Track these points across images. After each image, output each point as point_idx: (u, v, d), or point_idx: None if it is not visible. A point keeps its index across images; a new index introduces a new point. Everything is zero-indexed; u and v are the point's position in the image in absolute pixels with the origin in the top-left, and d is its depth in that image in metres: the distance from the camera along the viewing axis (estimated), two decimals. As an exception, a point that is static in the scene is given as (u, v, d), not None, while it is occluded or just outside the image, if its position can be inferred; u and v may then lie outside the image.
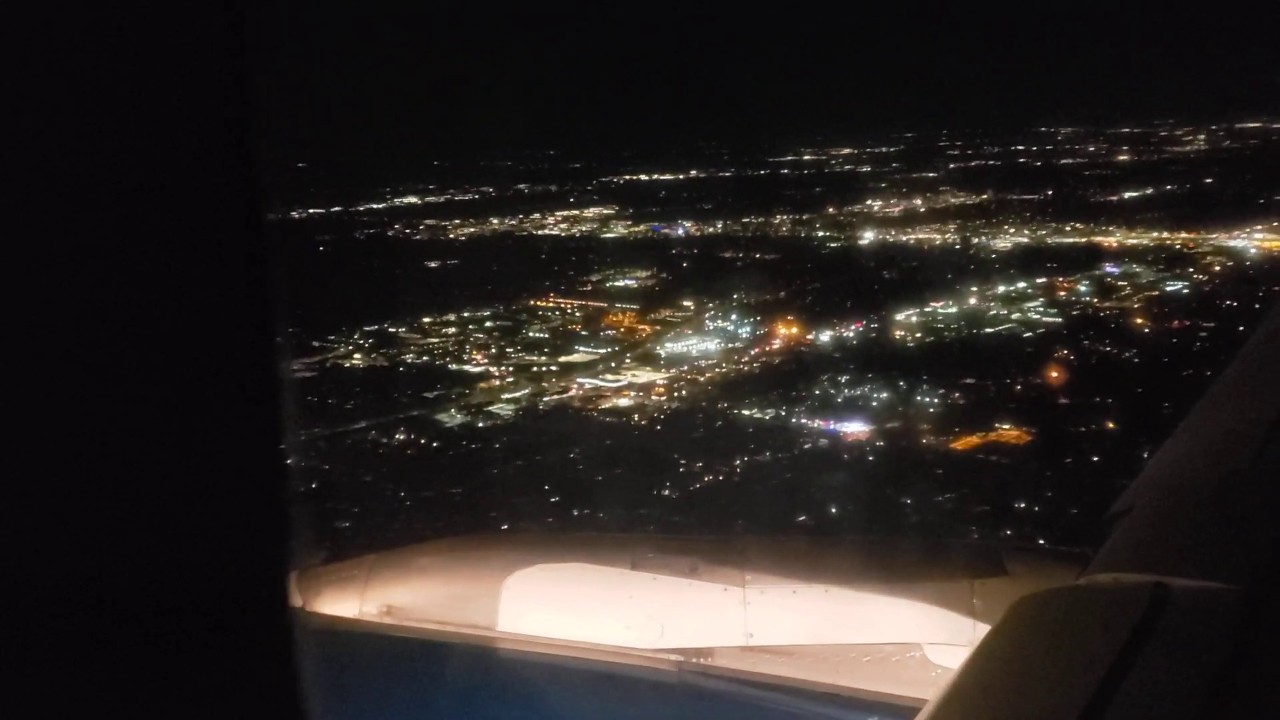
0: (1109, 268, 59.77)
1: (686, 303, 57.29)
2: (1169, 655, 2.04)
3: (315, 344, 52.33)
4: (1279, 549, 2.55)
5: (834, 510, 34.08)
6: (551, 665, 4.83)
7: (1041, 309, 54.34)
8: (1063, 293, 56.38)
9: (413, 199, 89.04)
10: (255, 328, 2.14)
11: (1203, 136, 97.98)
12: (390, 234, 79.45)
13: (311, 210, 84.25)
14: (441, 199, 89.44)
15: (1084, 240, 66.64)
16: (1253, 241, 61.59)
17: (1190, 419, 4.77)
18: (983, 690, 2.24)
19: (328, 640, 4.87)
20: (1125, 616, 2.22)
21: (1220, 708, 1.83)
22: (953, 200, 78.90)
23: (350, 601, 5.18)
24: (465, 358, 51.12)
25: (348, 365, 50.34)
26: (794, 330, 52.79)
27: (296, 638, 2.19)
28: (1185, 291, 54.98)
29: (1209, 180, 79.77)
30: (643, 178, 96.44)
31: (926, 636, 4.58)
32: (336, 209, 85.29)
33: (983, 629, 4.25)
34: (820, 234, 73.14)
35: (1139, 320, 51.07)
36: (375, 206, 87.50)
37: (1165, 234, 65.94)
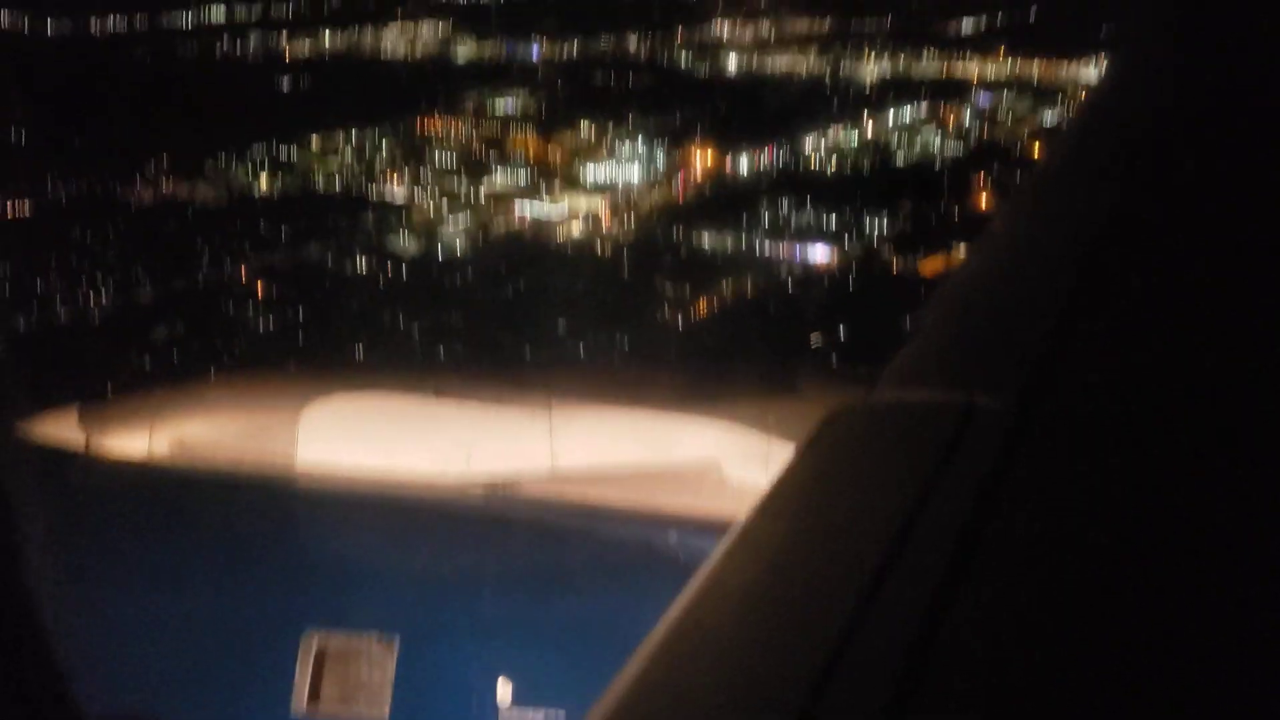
0: (983, 98, 61.44)
1: (583, 125, 55.79)
2: (959, 471, 2.10)
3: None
4: (1046, 365, 2.55)
5: (839, 332, 34.64)
6: (353, 496, 4.78)
7: (939, 138, 55.58)
8: (951, 121, 57.76)
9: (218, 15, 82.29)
10: None
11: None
12: (220, 53, 73.50)
13: (109, 25, 76.89)
14: (251, 17, 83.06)
15: (944, 69, 68.06)
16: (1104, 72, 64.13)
17: (985, 234, 4.68)
18: (801, 501, 2.27)
19: (111, 476, 4.79)
20: (935, 432, 2.26)
21: (992, 518, 1.94)
22: (798, 28, 78.71)
23: (139, 437, 4.96)
24: (381, 185, 48.43)
25: (256, 196, 46.93)
26: (709, 157, 52.33)
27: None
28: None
29: (1034, 5, 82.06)
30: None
31: (724, 454, 4.75)
32: (142, 29, 78.06)
33: (777, 445, 4.48)
34: (683, 58, 71.97)
35: (1037, 148, 52.95)
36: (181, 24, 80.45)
37: (1020, 64, 68.03)
